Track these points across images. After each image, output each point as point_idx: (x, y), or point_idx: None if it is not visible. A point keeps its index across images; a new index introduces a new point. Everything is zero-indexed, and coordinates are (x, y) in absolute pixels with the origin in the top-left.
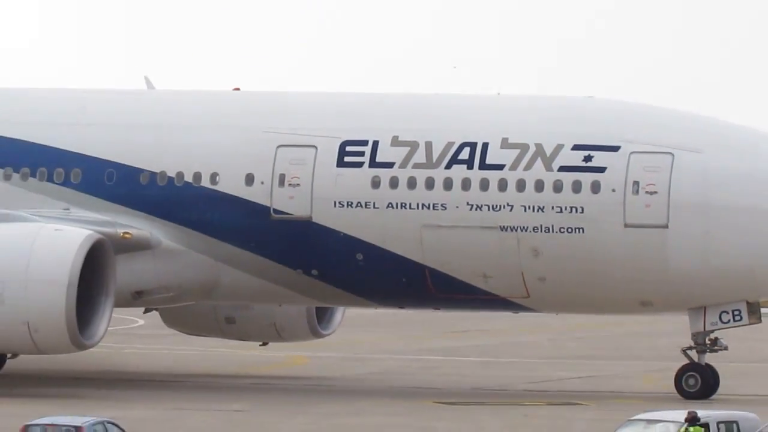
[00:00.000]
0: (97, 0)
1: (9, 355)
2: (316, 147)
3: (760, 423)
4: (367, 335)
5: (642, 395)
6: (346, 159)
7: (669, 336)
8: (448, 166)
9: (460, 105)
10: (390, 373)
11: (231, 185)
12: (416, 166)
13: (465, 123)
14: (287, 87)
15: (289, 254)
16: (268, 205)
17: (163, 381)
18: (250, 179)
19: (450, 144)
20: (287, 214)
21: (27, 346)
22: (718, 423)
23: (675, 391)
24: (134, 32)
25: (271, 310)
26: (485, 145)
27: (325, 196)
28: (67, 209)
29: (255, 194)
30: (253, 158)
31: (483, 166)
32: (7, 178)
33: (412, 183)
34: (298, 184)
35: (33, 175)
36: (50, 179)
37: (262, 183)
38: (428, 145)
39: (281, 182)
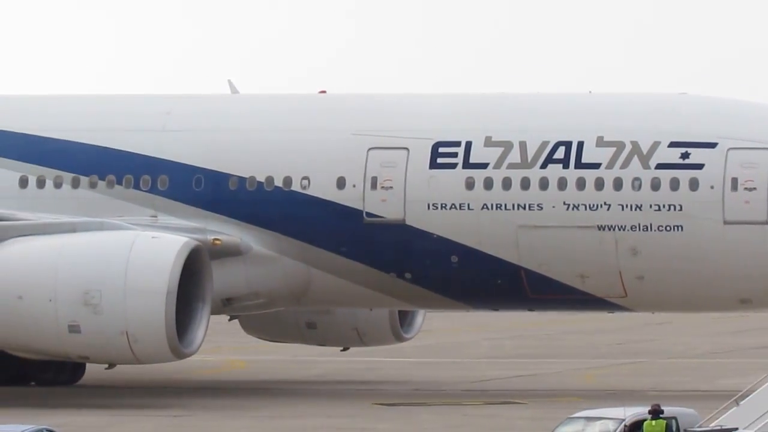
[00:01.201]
0: (178, 6)
1: (105, 366)
2: (408, 149)
3: (700, 418)
4: None
5: (581, 393)
6: (439, 160)
7: (607, 333)
8: (544, 166)
9: (553, 104)
10: (330, 375)
11: (322, 189)
12: (511, 166)
13: (559, 122)
14: (372, 89)
15: (382, 258)
16: (361, 208)
17: (99, 387)
18: (341, 183)
19: (545, 143)
20: (380, 217)
21: (126, 356)
22: None
23: (614, 388)
24: (216, 36)
25: (353, 314)
26: (580, 144)
27: (418, 199)
28: (155, 216)
29: (347, 198)
30: (344, 161)
31: (579, 165)
32: (93, 185)
33: (507, 183)
34: (390, 187)
35: (119, 182)
36: (137, 186)
37: (354, 186)
38: (522, 145)
39: (373, 185)
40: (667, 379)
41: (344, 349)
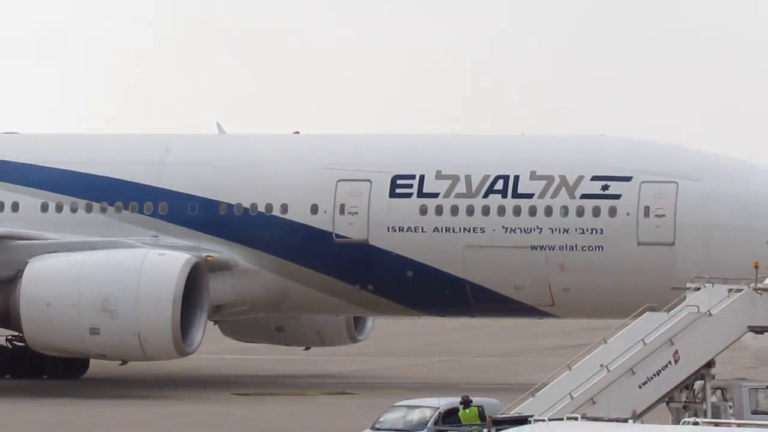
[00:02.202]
0: (175, 59)
1: (119, 362)
2: (370, 181)
3: (502, 406)
4: None
5: (403, 385)
6: (397, 190)
7: (426, 335)
8: (486, 195)
9: (493, 143)
10: (195, 370)
11: (298, 214)
12: (458, 195)
13: (498, 158)
14: (339, 129)
15: (348, 272)
16: (331, 230)
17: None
18: (314, 209)
19: (486, 176)
20: (347, 237)
21: (137, 354)
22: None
23: (432, 381)
24: (205, 85)
25: (315, 319)
26: (516, 177)
27: (379, 222)
28: (156, 236)
29: (319, 221)
30: (317, 191)
31: (515, 195)
32: (103, 210)
33: (454, 210)
34: (356, 212)
35: (125, 207)
36: (140, 211)
37: (325, 212)
38: (468, 178)
39: (342, 211)
40: (476, 374)
41: (306, 349)
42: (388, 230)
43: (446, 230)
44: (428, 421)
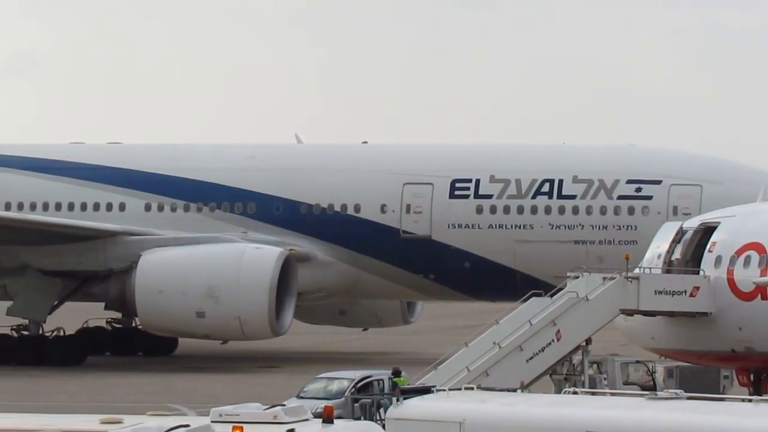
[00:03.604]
0: (257, 76)
1: (221, 342)
2: (433, 184)
3: (409, 378)
4: None
5: (328, 358)
6: (456, 192)
7: None
8: (534, 197)
9: (538, 151)
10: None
11: (370, 213)
12: (509, 197)
13: (544, 164)
14: (403, 139)
15: (413, 263)
16: (398, 227)
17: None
18: (384, 208)
19: (534, 180)
20: (412, 233)
21: (237, 334)
22: (378, 380)
23: (353, 353)
24: (285, 101)
25: (373, 304)
26: (560, 181)
27: (441, 220)
28: (245, 233)
29: (388, 219)
30: (386, 193)
31: (560, 196)
32: (199, 210)
33: (506, 209)
34: (420, 212)
35: (218, 207)
36: (231, 210)
37: (393, 211)
38: (518, 181)
39: (407, 210)
40: (388, 349)
41: (365, 330)
42: (449, 227)
43: (499, 227)
44: (345, 390)
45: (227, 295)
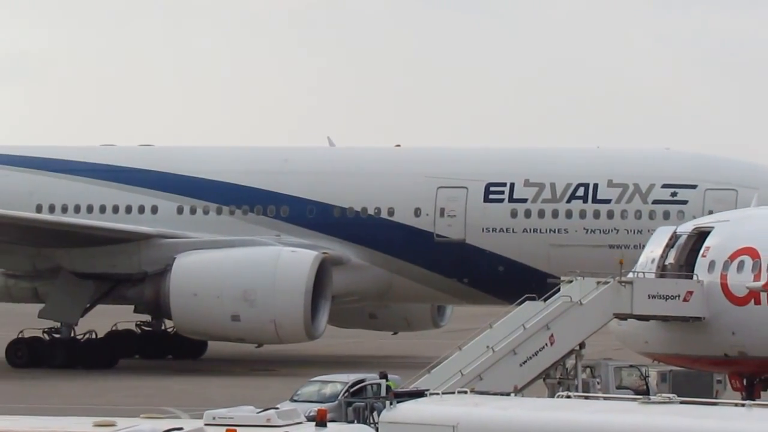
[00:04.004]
0: (290, 81)
1: (256, 345)
2: (467, 188)
3: (402, 382)
4: None
5: (319, 362)
6: (491, 196)
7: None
8: (569, 201)
9: (572, 155)
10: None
11: (403, 216)
12: (544, 201)
13: (579, 168)
14: (435, 142)
15: (447, 267)
16: (432, 230)
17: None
18: (417, 212)
19: (569, 184)
20: (446, 237)
21: (272, 338)
22: (372, 384)
23: (345, 356)
24: (317, 103)
25: (403, 307)
26: (596, 185)
27: (475, 224)
28: (278, 236)
29: (422, 223)
30: (420, 196)
31: (595, 200)
32: (231, 213)
33: (541, 213)
34: (454, 215)
35: (251, 210)
36: (264, 213)
37: (427, 215)
38: (552, 185)
39: (441, 214)
40: (382, 351)
41: (395, 333)
42: (483, 231)
43: (534, 231)
44: (339, 394)
45: (263, 298)
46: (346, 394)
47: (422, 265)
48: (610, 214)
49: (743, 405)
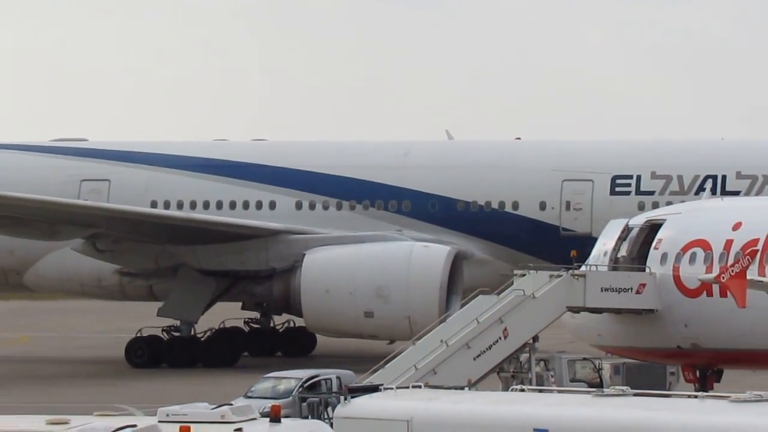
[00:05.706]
0: (411, 76)
1: (388, 342)
2: (593, 180)
3: (355, 377)
4: None
5: (279, 361)
6: (617, 189)
7: None
8: (697, 193)
9: (697, 147)
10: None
11: (528, 210)
12: (671, 193)
13: (705, 160)
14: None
15: (573, 261)
16: (558, 224)
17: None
18: (543, 205)
19: (697, 176)
20: (573, 231)
21: (406, 334)
22: (326, 380)
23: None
24: (435, 95)
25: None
26: (724, 177)
27: (602, 217)
28: (399, 230)
29: (547, 216)
30: (545, 190)
31: (724, 192)
32: (352, 207)
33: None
34: (580, 209)
35: (372, 205)
36: (385, 208)
37: (553, 208)
38: (680, 178)
39: (567, 207)
40: (337, 349)
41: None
42: None
43: None
44: (293, 390)
45: (397, 294)
46: (300, 390)
47: (547, 259)
48: None
49: (696, 397)
